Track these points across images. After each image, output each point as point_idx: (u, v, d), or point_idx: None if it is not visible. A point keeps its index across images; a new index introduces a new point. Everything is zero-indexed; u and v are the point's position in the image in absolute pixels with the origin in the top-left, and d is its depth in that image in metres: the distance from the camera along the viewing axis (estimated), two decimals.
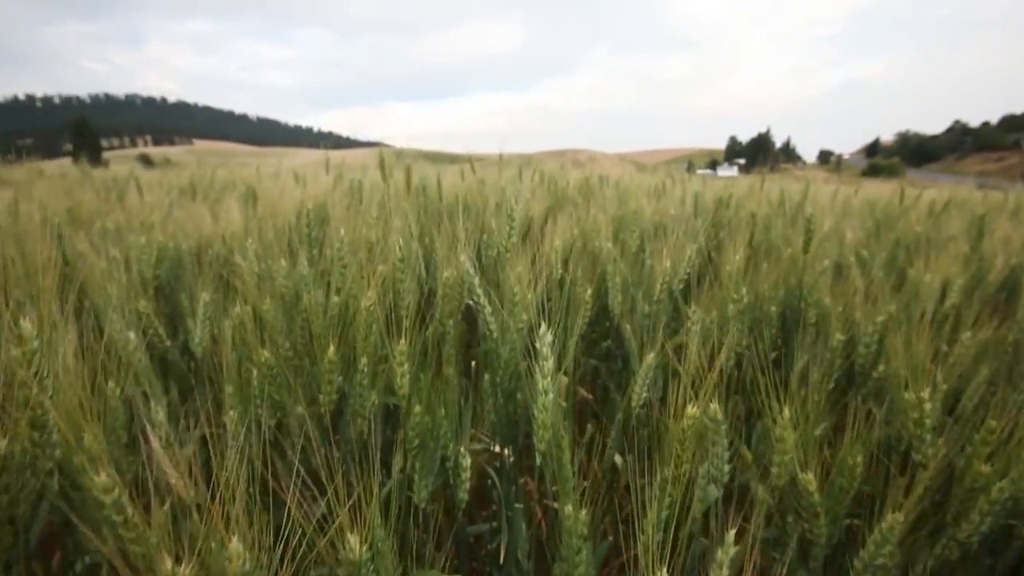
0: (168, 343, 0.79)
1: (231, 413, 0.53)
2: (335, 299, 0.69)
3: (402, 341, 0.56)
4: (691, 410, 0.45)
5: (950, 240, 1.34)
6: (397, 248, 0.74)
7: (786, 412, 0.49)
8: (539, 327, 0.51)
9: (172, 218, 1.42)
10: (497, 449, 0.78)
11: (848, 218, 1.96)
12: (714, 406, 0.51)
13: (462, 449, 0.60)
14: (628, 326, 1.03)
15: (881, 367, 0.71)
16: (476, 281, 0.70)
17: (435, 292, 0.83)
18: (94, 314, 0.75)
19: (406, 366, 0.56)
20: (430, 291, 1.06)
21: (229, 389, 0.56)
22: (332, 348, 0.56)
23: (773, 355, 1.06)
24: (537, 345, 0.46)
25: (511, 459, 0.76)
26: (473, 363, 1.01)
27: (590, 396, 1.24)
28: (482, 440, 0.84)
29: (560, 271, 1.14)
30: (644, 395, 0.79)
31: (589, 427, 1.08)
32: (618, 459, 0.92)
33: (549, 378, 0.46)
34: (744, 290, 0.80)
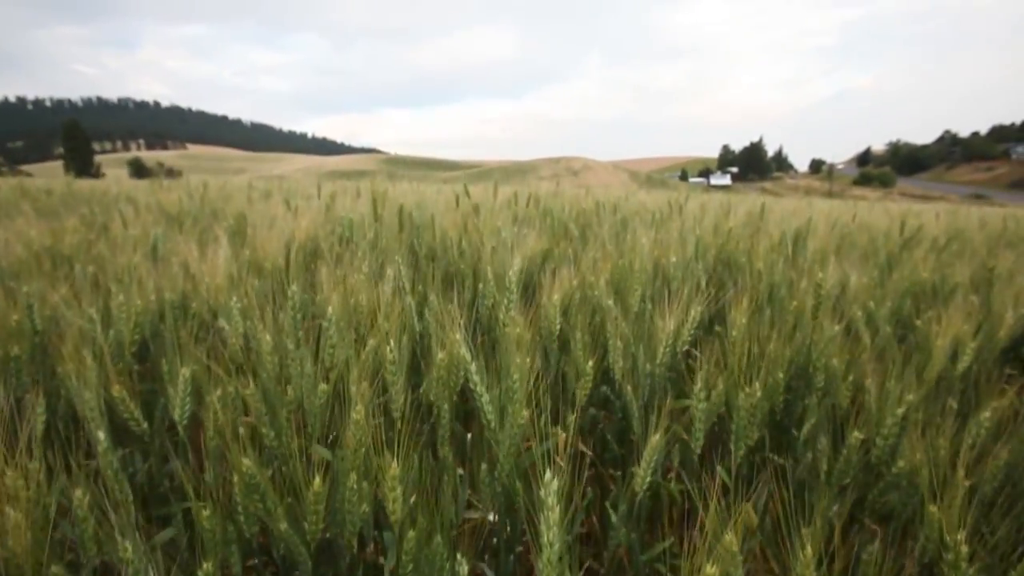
0: (144, 425, 0.74)
1: (205, 567, 0.48)
2: (323, 387, 0.65)
3: (394, 464, 0.52)
4: (710, 570, 0.40)
5: (957, 288, 1.31)
6: (388, 350, 0.69)
7: (808, 550, 0.45)
8: (540, 413, 0.47)
9: (156, 261, 1.37)
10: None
11: (850, 254, 1.93)
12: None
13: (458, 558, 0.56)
14: (629, 387, 0.99)
15: (900, 463, 0.67)
16: (473, 368, 0.66)
17: (431, 362, 0.79)
18: (64, 396, 0.70)
19: (399, 491, 0.52)
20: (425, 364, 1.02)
21: (205, 513, 0.51)
22: (318, 480, 0.52)
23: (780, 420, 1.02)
24: (541, 494, 0.42)
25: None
26: (468, 436, 0.97)
27: (589, 452, 1.20)
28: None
29: (560, 322, 1.10)
30: (648, 479, 0.75)
31: (589, 492, 1.04)
32: None
33: (555, 529, 0.42)
34: (756, 383, 0.76)
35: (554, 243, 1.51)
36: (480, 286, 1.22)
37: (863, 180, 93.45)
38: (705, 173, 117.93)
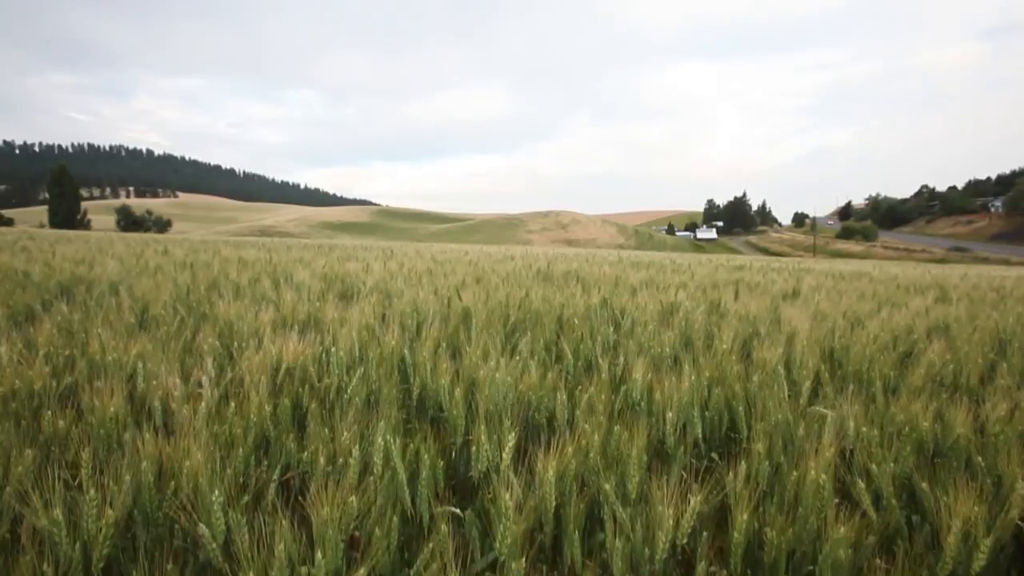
0: None
1: None
2: None
3: None
4: None
5: (967, 447, 1.29)
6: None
7: None
8: None
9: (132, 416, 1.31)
10: None
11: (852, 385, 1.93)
12: None
13: None
14: None
15: None
16: None
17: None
18: None
19: None
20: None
21: None
22: None
23: None
24: None
25: None
26: None
27: None
28: None
29: (554, 501, 1.06)
30: None
31: None
32: None
33: None
34: None
35: (547, 391, 1.47)
36: (474, 449, 1.19)
37: (846, 233, 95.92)
38: (691, 227, 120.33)
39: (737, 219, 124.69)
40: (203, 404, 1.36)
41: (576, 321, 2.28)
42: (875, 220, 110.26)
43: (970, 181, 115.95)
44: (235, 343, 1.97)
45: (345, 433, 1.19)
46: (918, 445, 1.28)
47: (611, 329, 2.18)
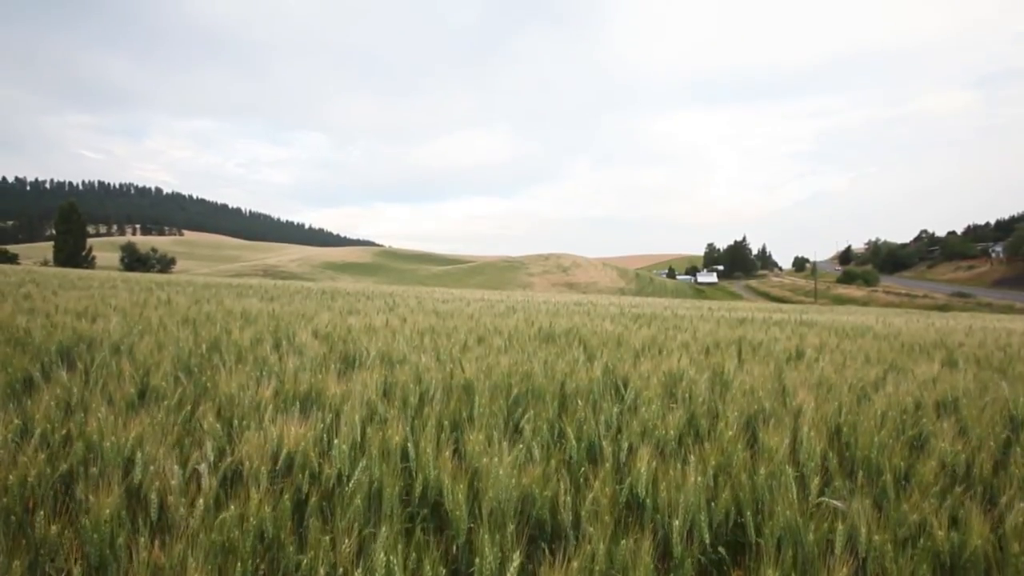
0: None
1: None
2: None
3: None
4: None
5: (985, 562, 1.25)
6: None
7: None
8: None
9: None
10: None
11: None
12: None
13: None
14: None
15: None
16: None
17: None
18: None
19: None
20: None
21: None
22: None
23: None
24: None
25: None
26: None
27: None
28: None
29: None
30: None
31: None
32: None
33: None
34: None
35: (551, 486, 1.45)
36: (477, 561, 1.15)
37: (847, 278, 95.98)
38: (692, 271, 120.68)
39: (737, 263, 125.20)
40: (200, 500, 1.33)
41: (579, 401, 2.25)
42: (875, 264, 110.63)
43: (969, 226, 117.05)
44: (236, 420, 1.95)
45: (346, 540, 1.17)
46: (934, 557, 1.25)
47: (614, 408, 2.16)
